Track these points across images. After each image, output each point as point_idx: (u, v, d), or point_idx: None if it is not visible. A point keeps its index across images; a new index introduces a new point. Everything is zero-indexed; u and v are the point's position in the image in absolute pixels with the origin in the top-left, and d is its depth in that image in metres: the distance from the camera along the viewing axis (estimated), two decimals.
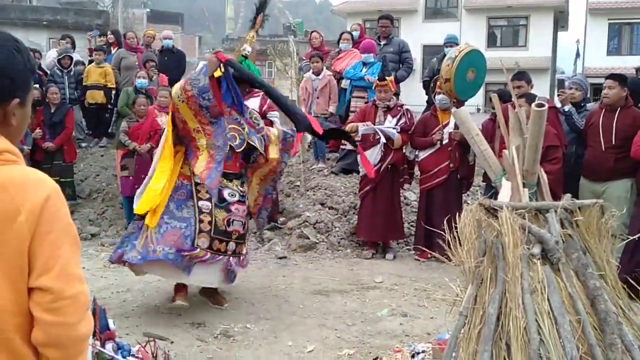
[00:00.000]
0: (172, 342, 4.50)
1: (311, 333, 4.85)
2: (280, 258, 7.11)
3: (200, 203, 5.08)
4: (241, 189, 5.35)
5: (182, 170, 5.21)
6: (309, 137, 8.88)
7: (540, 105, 3.04)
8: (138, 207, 5.07)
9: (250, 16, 5.90)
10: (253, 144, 5.30)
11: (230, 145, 5.14)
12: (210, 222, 5.06)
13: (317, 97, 8.96)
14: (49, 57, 11.13)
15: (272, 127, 5.88)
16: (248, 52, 5.51)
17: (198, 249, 4.97)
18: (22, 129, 1.61)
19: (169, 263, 4.90)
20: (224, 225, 5.12)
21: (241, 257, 5.36)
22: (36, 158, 8.63)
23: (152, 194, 5.03)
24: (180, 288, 5.39)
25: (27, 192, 1.46)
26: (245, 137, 5.25)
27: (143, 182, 5.26)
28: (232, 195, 5.23)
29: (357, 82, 8.68)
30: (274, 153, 5.50)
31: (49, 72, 10.68)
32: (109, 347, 3.45)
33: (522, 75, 6.71)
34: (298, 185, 8.84)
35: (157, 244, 4.90)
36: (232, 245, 5.18)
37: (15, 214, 1.43)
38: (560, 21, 34.31)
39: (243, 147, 5.25)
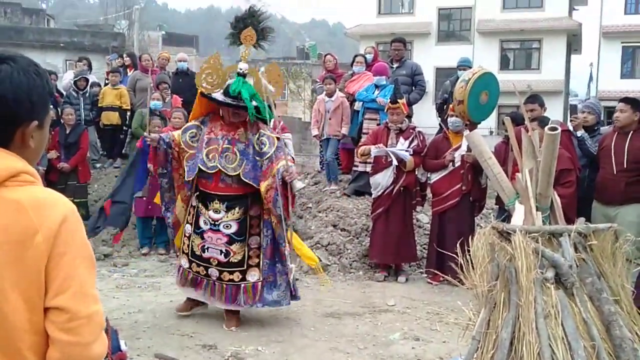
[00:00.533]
0: None
1: (323, 356, 4.82)
2: None
3: (186, 227, 5.44)
4: (216, 216, 5.24)
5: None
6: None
7: (553, 129, 3.04)
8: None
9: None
10: (223, 169, 5.15)
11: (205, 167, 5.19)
12: (188, 246, 5.39)
13: (330, 119, 9.00)
14: (66, 79, 11.27)
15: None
16: (243, 69, 5.17)
17: (180, 268, 5.48)
18: (40, 151, 1.64)
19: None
20: (199, 250, 5.34)
21: (242, 284, 5.30)
22: (51, 178, 8.71)
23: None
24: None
25: (45, 213, 1.48)
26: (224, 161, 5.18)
27: None
28: (205, 223, 5.30)
29: (369, 105, 8.71)
30: (263, 187, 5.16)
31: (64, 93, 10.81)
32: None
33: (535, 99, 6.70)
34: (310, 207, 8.84)
35: None
36: (213, 272, 5.30)
37: (33, 234, 1.46)
38: (574, 44, 34.33)
39: (215, 170, 5.17)
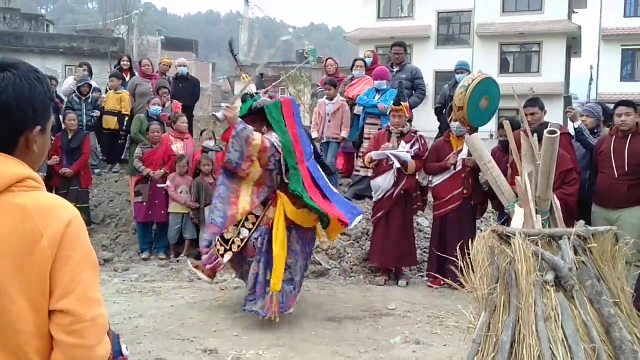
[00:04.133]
0: None
1: None
2: None
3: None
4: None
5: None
6: None
7: (552, 132, 3.06)
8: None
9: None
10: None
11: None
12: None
13: (330, 121, 9.03)
14: (66, 84, 11.28)
15: None
16: (252, 91, 5.62)
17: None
18: (43, 155, 1.66)
19: None
20: None
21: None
22: (53, 184, 8.72)
23: None
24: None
25: (50, 218, 1.51)
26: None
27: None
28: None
29: (370, 110, 8.72)
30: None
31: (65, 99, 10.83)
32: None
33: (535, 102, 6.69)
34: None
35: None
36: None
37: (38, 239, 1.48)
38: (574, 47, 34.36)
39: None
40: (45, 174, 8.57)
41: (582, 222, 3.23)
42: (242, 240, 5.56)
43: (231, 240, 5.58)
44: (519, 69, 32.84)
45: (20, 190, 1.51)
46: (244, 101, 5.75)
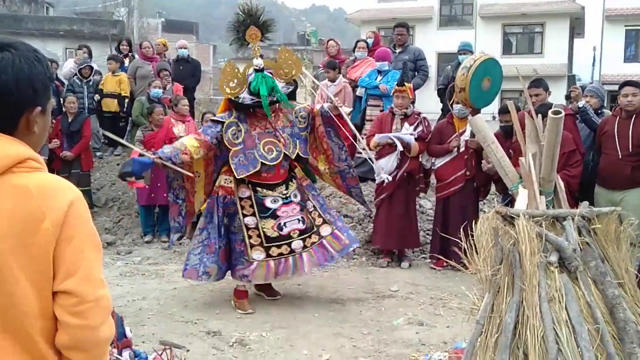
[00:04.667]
0: (188, 351, 4.51)
1: (327, 342, 4.84)
2: None
3: (246, 220, 5.40)
4: (284, 192, 5.54)
5: (223, 183, 5.51)
6: None
7: (556, 112, 3.03)
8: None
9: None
10: (289, 154, 5.53)
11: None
12: (258, 235, 5.36)
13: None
14: (66, 67, 11.22)
15: None
16: (259, 65, 5.41)
17: (252, 264, 5.35)
18: (43, 136, 1.65)
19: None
20: (275, 231, 5.38)
21: (323, 240, 5.60)
22: (54, 167, 8.71)
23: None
24: (241, 294, 5.62)
25: (52, 198, 1.50)
26: (282, 149, 5.48)
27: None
28: (275, 201, 5.47)
29: (372, 91, 8.67)
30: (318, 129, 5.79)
31: (66, 82, 10.78)
32: (125, 355, 3.47)
33: (539, 83, 6.65)
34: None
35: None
36: (297, 243, 5.44)
37: (40, 219, 1.47)
38: (577, 28, 34.10)
39: (279, 160, 5.47)
40: (47, 157, 8.56)
41: (586, 202, 3.21)
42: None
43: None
44: (522, 50, 32.61)
45: (22, 171, 1.50)
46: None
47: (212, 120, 5.64)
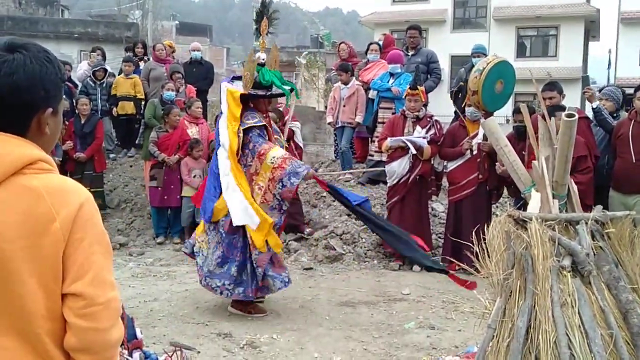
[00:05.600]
0: (198, 352, 4.51)
1: (337, 345, 4.83)
2: (306, 269, 7.11)
3: None
4: None
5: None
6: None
7: (570, 115, 3.00)
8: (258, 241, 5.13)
9: (278, 27, 5.88)
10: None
11: None
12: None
13: (344, 106, 8.99)
14: (80, 69, 11.31)
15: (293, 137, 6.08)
16: (263, 59, 5.37)
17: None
18: (55, 137, 1.65)
19: None
20: None
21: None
22: (67, 168, 8.78)
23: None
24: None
25: (62, 200, 1.50)
26: (284, 143, 5.65)
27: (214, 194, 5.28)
28: None
29: (384, 94, 8.67)
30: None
31: (79, 84, 10.85)
32: (136, 356, 3.48)
33: (553, 86, 6.59)
34: (324, 196, 8.83)
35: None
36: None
37: (50, 221, 1.47)
38: (592, 31, 33.88)
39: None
40: (61, 159, 8.62)
41: (599, 206, 3.18)
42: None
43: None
44: (536, 52, 32.47)
45: (32, 172, 1.50)
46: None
47: (257, 127, 5.31)
